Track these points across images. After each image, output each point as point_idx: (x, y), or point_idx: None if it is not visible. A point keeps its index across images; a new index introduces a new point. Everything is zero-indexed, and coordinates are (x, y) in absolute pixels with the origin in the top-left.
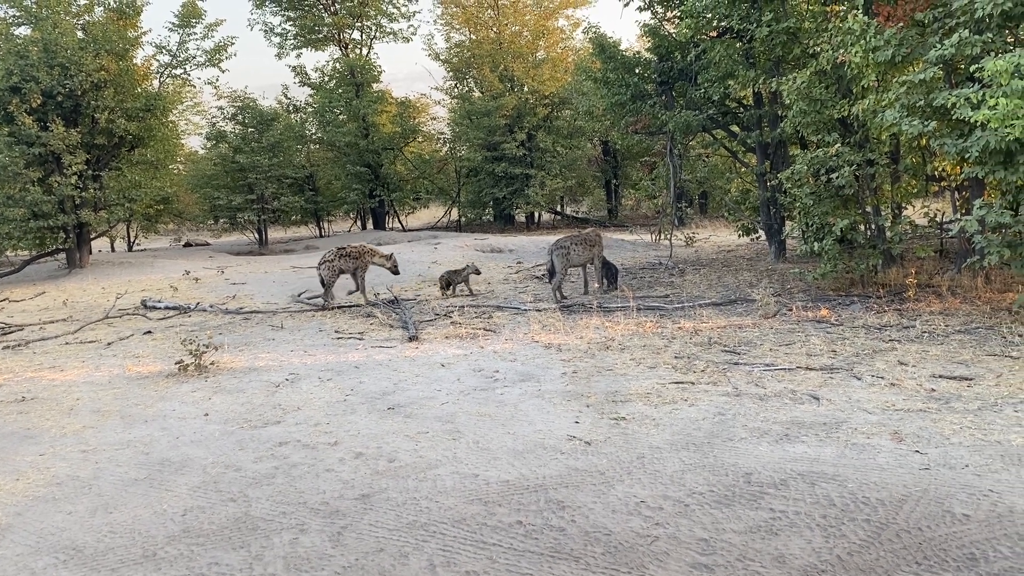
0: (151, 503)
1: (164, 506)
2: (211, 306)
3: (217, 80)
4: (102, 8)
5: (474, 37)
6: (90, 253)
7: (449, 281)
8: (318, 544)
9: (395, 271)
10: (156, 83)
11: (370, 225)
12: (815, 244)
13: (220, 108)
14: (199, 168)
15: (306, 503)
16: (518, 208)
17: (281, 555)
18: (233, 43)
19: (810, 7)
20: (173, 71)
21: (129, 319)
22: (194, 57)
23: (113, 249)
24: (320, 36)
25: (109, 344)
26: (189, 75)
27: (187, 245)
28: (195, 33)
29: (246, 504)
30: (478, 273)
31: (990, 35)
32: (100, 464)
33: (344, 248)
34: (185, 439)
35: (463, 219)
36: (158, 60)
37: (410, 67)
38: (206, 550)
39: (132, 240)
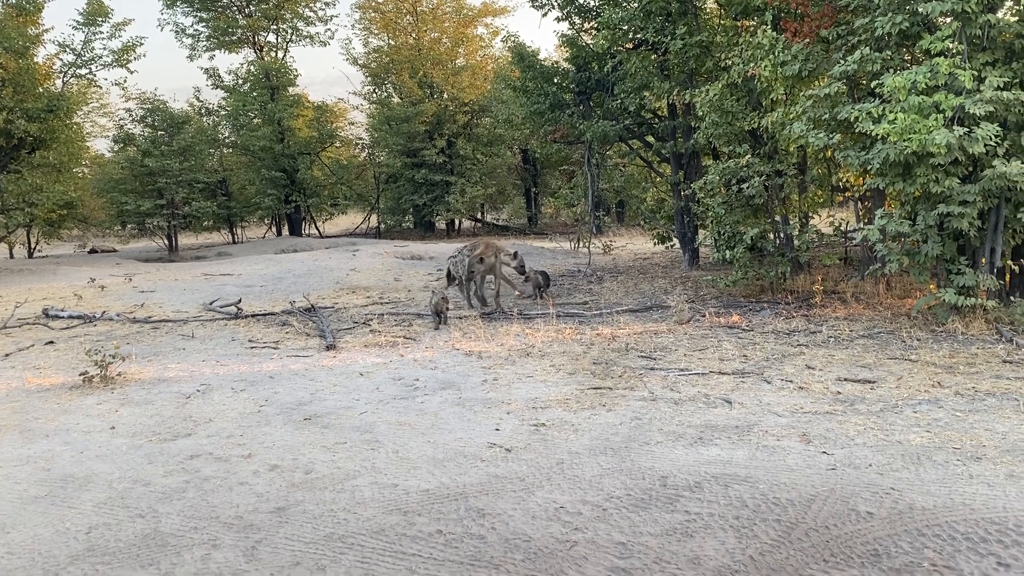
0: (53, 521)
1: (67, 524)
2: (118, 315)
3: (125, 81)
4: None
5: (393, 43)
6: None
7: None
8: (231, 559)
9: (521, 271)
10: (59, 83)
11: (286, 231)
12: (727, 252)
13: (128, 110)
14: (106, 172)
15: (219, 517)
16: (438, 215)
17: (192, 571)
18: (142, 43)
19: (722, 22)
20: (78, 71)
21: (29, 329)
22: (100, 57)
23: (12, 255)
24: (234, 38)
25: (7, 355)
26: (95, 75)
27: (92, 251)
28: (101, 32)
29: (155, 520)
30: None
31: (889, 53)
32: None
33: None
34: (90, 454)
35: (382, 226)
36: (61, 59)
37: (327, 71)
38: (112, 569)
39: (33, 246)
